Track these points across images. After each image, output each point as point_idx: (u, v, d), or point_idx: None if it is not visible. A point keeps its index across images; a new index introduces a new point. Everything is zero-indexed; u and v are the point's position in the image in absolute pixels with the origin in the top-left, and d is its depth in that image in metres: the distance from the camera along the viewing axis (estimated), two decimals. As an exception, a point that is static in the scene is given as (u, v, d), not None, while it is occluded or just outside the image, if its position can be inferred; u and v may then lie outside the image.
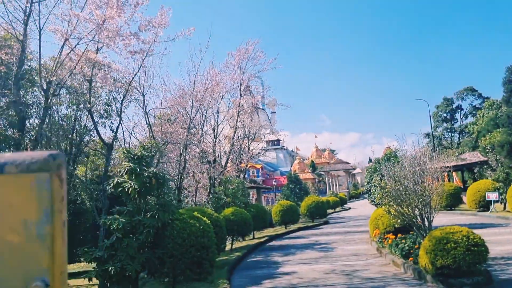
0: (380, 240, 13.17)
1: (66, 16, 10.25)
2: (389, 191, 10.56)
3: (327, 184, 78.55)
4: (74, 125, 17.37)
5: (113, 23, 10.85)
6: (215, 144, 27.44)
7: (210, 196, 21.19)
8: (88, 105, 13.21)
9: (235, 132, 29.08)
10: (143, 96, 19.72)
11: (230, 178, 20.18)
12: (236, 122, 28.84)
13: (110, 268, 7.30)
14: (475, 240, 7.85)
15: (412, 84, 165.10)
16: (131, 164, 8.09)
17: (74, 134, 17.19)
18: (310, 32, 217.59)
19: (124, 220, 7.64)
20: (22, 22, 10.29)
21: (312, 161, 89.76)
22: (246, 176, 53.33)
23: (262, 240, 19.41)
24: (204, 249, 8.40)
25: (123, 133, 18.77)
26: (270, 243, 18.93)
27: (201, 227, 8.46)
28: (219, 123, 28.01)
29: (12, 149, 10.72)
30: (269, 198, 56.96)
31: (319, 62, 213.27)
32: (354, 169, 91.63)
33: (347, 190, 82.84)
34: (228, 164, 29.05)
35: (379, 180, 11.69)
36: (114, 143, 15.47)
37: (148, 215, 8.14)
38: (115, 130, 15.17)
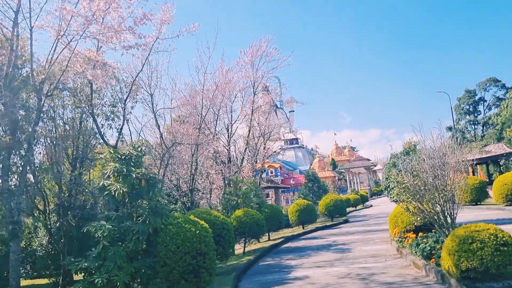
0: (400, 239, 12.28)
1: (56, 11, 9.75)
2: (407, 187, 9.70)
3: (347, 182, 77.29)
4: (79, 129, 16.91)
5: (106, 17, 10.32)
6: (229, 144, 26.88)
7: (221, 197, 20.60)
8: (86, 106, 12.70)
9: (249, 131, 28.41)
10: (151, 96, 19.29)
11: (241, 178, 19.48)
12: (251, 121, 28.17)
13: (96, 280, 6.71)
14: (504, 238, 6.96)
15: (433, 77, 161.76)
16: (117, 165, 7.48)
17: (80, 138, 16.72)
18: (326, 27, 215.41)
19: (110, 226, 7.03)
20: (11, 19, 9.81)
21: (332, 159, 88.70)
22: (264, 175, 52.77)
23: (277, 241, 18.69)
24: (200, 256, 7.68)
25: (131, 135, 18.36)
26: (286, 245, 18.18)
27: (198, 231, 7.75)
28: (233, 122, 27.40)
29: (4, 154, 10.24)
30: (289, 197, 56.15)
31: (337, 58, 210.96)
32: (375, 165, 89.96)
33: (369, 187, 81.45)
34: (244, 164, 28.43)
35: (395, 175, 10.82)
36: (120, 145, 15.00)
37: (140, 220, 7.50)
38: (118, 132, 14.68)
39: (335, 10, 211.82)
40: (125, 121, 17.60)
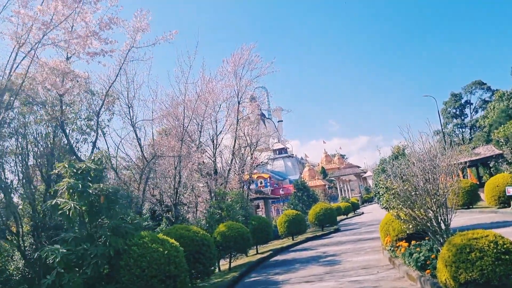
0: (391, 248, 11.60)
1: (12, 17, 9.03)
2: (397, 192, 9.05)
3: (338, 190, 76.75)
4: (53, 145, 16.04)
5: (73, 24, 9.63)
6: (215, 156, 26.20)
7: (205, 211, 19.80)
8: (56, 121, 11.93)
9: (235, 141, 27.75)
10: (129, 108, 18.54)
11: (225, 190, 18.72)
12: (236, 131, 27.53)
13: (50, 312, 5.93)
14: (505, 246, 6.31)
15: (418, 82, 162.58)
16: (71, 180, 6.71)
17: (54, 155, 15.85)
18: (311, 35, 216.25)
19: (65, 250, 6.24)
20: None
21: (322, 167, 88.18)
22: (253, 186, 51.78)
23: (265, 255, 17.91)
24: (170, 279, 6.89)
25: (108, 149, 17.53)
26: (274, 258, 17.41)
27: (166, 251, 6.97)
28: (218, 133, 26.74)
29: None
30: (279, 208, 55.31)
31: (324, 66, 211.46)
32: (365, 172, 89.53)
33: (360, 195, 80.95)
34: (231, 176, 27.69)
35: (384, 180, 10.17)
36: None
37: (101, 242, 6.70)
38: (92, 146, 13.93)
39: (318, 19, 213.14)
40: (100, 135, 16.88)
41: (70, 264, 6.37)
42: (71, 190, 6.71)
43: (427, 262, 8.53)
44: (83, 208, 6.73)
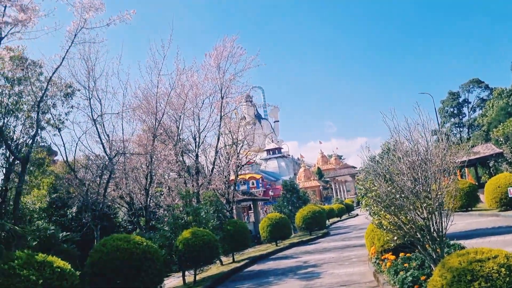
0: (376, 261, 9.74)
1: None
2: (378, 195, 7.17)
3: (333, 191, 74.90)
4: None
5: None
6: (197, 154, 24.36)
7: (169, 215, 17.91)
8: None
9: (218, 139, 25.85)
10: (89, 99, 16.72)
11: (191, 191, 16.82)
12: (219, 127, 25.66)
13: None
14: (522, 271, 4.43)
15: (416, 82, 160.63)
16: None
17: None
18: (307, 37, 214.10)
19: None
20: None
21: (318, 168, 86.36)
22: (244, 187, 49.86)
23: (241, 264, 16.03)
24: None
25: (64, 146, 15.66)
26: (250, 268, 15.51)
27: (41, 281, 5.08)
28: (201, 130, 24.85)
29: None
30: (270, 210, 53.44)
31: (321, 67, 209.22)
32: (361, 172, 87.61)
33: (355, 196, 79.14)
34: (215, 176, 25.83)
35: (363, 180, 8.30)
36: (31, 156, 12.46)
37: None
38: (31, 141, 12.11)
39: (315, 18, 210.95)
40: (54, 129, 15.14)
41: None
42: None
43: (416, 287, 6.64)
44: None
